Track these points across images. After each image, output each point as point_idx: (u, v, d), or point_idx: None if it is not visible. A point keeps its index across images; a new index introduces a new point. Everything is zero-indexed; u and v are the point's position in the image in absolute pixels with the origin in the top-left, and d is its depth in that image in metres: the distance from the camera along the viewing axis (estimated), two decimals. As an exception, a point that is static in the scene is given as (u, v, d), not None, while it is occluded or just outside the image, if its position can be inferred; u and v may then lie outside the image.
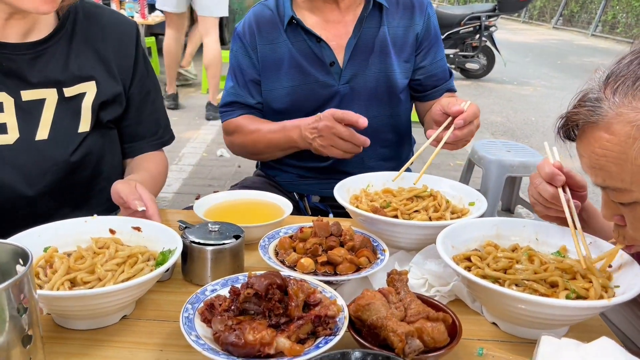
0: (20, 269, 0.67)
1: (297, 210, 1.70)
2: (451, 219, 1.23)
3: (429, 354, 0.81)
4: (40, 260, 0.99)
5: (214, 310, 0.88)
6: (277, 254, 1.11)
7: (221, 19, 10.83)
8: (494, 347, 0.94)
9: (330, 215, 1.69)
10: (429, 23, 1.69)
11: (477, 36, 8.11)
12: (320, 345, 0.81)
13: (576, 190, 1.08)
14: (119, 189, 1.18)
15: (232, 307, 0.88)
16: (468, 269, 1.00)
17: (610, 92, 0.83)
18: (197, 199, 1.36)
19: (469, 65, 8.49)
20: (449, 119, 1.36)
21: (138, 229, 1.10)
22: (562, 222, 1.09)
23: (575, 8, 18.54)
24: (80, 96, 1.32)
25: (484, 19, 7.95)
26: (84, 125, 1.33)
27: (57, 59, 1.29)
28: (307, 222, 1.21)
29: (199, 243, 1.08)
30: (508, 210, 3.72)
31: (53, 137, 1.28)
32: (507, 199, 3.71)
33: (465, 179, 3.59)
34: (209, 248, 1.07)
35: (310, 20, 1.65)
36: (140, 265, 1.00)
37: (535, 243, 1.12)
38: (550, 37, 16.49)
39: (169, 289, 1.09)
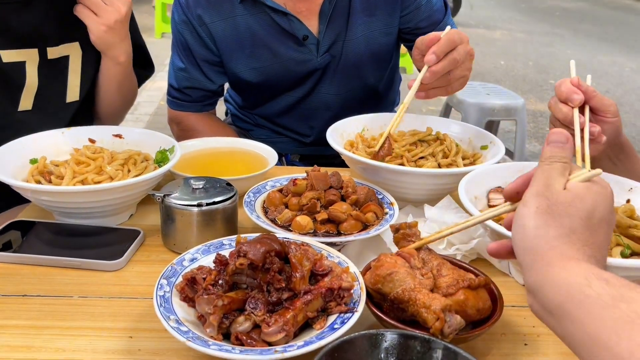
0: None
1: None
2: (464, 165, 1.07)
3: (472, 332, 0.65)
4: (34, 170, 0.98)
5: (196, 285, 0.70)
6: (265, 211, 0.93)
7: None
8: (527, 313, 0.79)
9: None
10: None
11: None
12: (336, 326, 0.65)
13: (600, 114, 0.91)
14: None
15: (220, 281, 0.69)
16: (497, 221, 0.85)
17: None
18: None
19: (435, 8, 8.27)
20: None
21: (119, 136, 1.10)
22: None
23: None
24: (63, 60, 1.11)
25: (451, -41, 7.69)
26: (72, 95, 1.15)
27: (40, 11, 1.08)
28: (298, 173, 1.02)
29: (184, 204, 0.87)
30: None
31: (38, 108, 1.10)
32: (485, 145, 3.61)
33: (442, 124, 3.45)
34: (196, 210, 0.87)
35: None
36: (143, 164, 1.01)
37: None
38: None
39: (137, 258, 0.89)
